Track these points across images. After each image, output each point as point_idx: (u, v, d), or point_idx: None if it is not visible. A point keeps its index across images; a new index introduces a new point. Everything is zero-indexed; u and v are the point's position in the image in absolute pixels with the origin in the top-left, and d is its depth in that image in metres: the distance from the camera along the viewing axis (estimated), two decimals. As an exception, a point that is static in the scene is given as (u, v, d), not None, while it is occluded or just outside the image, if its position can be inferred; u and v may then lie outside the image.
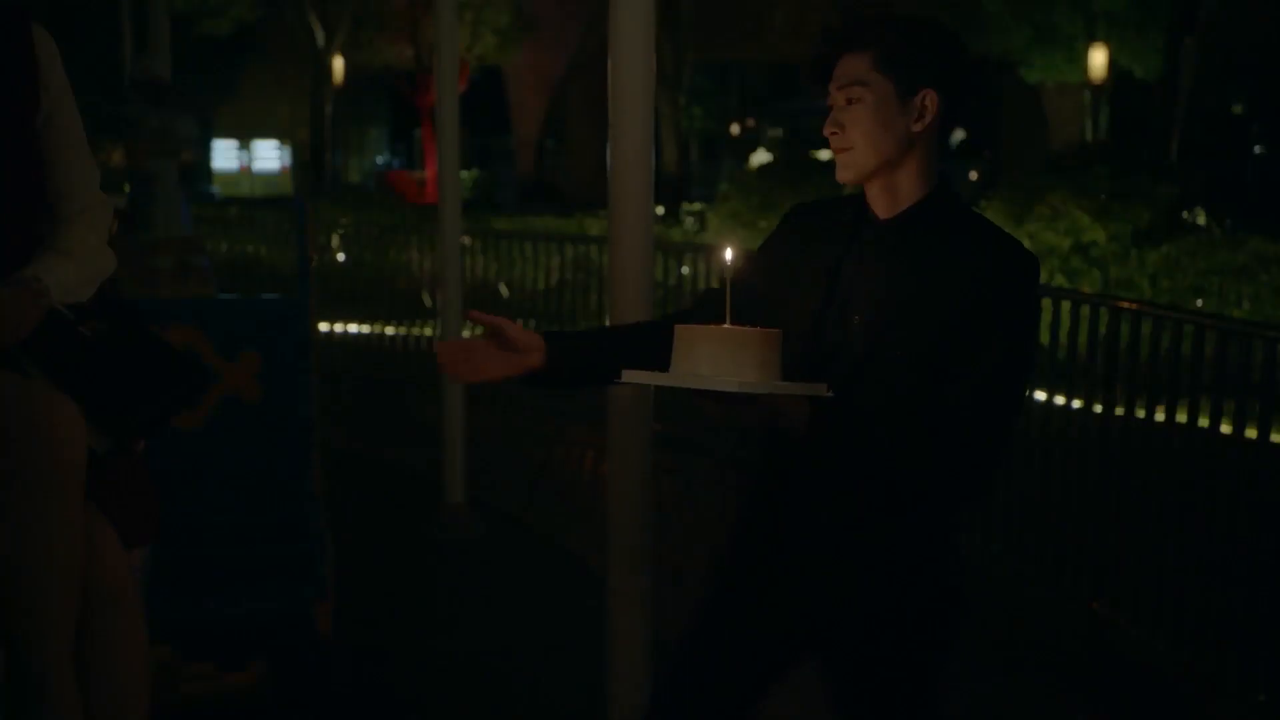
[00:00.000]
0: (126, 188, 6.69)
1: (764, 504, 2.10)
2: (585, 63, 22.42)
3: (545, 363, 2.06)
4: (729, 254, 1.91)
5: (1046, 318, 5.18)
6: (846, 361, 1.96)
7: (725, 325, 1.87)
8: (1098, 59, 15.64)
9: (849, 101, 1.97)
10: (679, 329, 1.89)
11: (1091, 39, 15.54)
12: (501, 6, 19.63)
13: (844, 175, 2.01)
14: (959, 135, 30.01)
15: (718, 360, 1.84)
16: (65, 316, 2.14)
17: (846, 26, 2.00)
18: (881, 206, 2.02)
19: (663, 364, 1.96)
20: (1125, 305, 4.82)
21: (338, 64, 20.87)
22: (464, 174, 7.30)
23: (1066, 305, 5.11)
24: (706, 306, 2.13)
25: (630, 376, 1.91)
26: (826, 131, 2.00)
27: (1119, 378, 4.68)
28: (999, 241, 1.97)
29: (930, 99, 1.97)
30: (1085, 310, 5.01)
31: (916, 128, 1.97)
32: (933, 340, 1.92)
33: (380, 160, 30.46)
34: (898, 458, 1.92)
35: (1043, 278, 8.72)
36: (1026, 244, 8.49)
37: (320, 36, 20.29)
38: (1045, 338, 5.23)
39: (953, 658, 2.12)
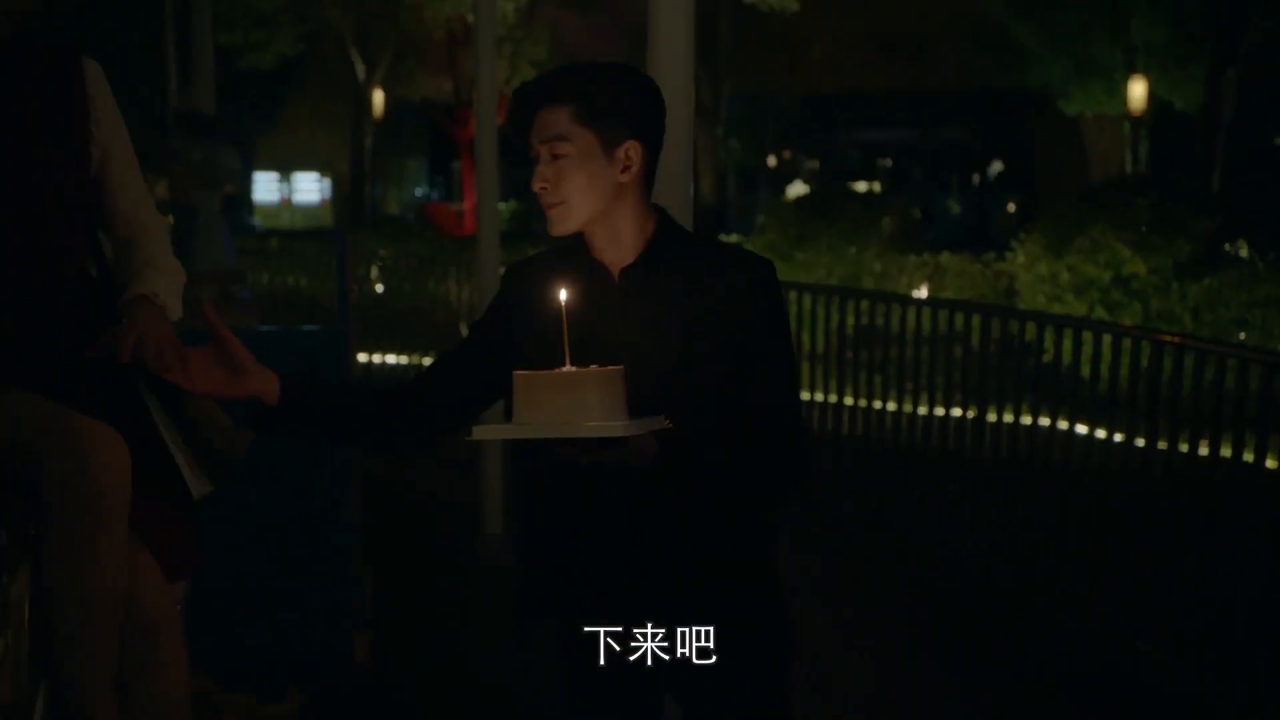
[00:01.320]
0: (170, 219, 6.77)
1: (576, 551, 2.06)
2: (622, 95, 22.53)
3: (279, 399, 2.00)
4: (564, 294, 1.90)
5: (1087, 350, 5.14)
6: (638, 402, 1.92)
7: (567, 368, 1.85)
8: (1137, 91, 15.56)
9: (554, 156, 1.99)
10: (519, 375, 1.87)
11: (1131, 71, 15.47)
12: (539, 40, 19.77)
13: (559, 229, 2.03)
14: (996, 167, 29.94)
15: (569, 404, 1.81)
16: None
17: (544, 80, 2.03)
18: (611, 255, 2.04)
19: (437, 420, 1.99)
20: (1168, 339, 4.78)
21: (378, 97, 21.07)
22: (501, 205, 7.36)
23: (1107, 338, 5.07)
24: (450, 365, 2.10)
25: (481, 432, 1.88)
26: (535, 187, 2.02)
27: (1161, 412, 4.63)
28: (736, 256, 2.06)
29: (634, 149, 2.00)
30: (1126, 343, 4.97)
31: (623, 179, 2.01)
32: (713, 362, 1.99)
33: (419, 192, 30.67)
34: (735, 472, 1.99)
35: (1082, 310, 8.71)
36: (1065, 276, 8.45)
37: (361, 70, 20.51)
38: (1085, 370, 5.19)
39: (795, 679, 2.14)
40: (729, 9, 18.22)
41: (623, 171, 2.00)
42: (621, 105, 2.00)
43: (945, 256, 11.33)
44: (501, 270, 8.13)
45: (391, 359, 10.40)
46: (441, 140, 26.12)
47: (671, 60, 3.04)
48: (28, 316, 2.06)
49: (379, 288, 11.24)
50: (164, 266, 2.17)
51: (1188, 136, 18.00)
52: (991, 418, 5.61)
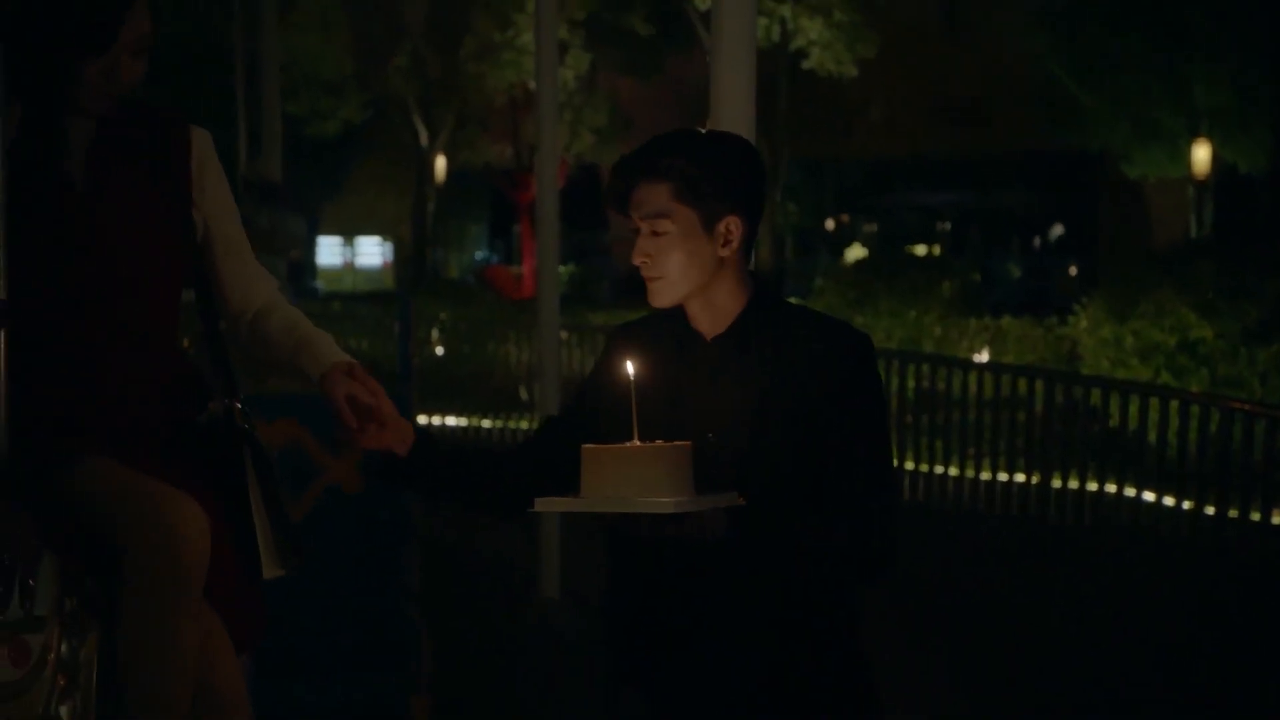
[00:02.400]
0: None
1: (653, 628, 2.03)
2: (681, 160, 22.71)
3: (409, 453, 2.03)
4: (630, 368, 1.91)
5: (1154, 416, 5.07)
6: (714, 477, 1.92)
7: (635, 443, 1.84)
8: (1201, 154, 15.44)
9: (654, 232, 1.98)
10: (586, 449, 1.87)
11: (1194, 134, 15.37)
12: (600, 106, 20.02)
13: (659, 301, 2.02)
14: (1057, 230, 29.76)
15: (630, 480, 1.80)
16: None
17: (644, 154, 2.00)
18: (705, 325, 2.03)
19: (539, 488, 1.94)
20: (1237, 405, 4.70)
21: (440, 162, 21.40)
22: (561, 269, 7.43)
23: (1175, 405, 5.00)
24: (554, 433, 2.10)
25: (544, 504, 1.88)
26: (635, 260, 2.01)
27: (1232, 479, 4.54)
28: (828, 328, 2.02)
29: (734, 224, 1.98)
30: (1195, 410, 4.89)
31: (723, 253, 1.99)
32: (795, 438, 1.95)
33: (479, 255, 31.02)
34: (813, 551, 1.93)
35: (1147, 375, 8.60)
36: (1129, 341, 8.37)
37: (424, 136, 20.86)
38: (1152, 436, 5.11)
39: None
40: (788, 74, 18.35)
41: (723, 246, 1.98)
42: (722, 180, 1.98)
43: (1006, 320, 11.24)
44: (563, 334, 8.13)
45: (452, 420, 10.46)
46: (502, 204, 26.43)
47: (733, 125, 3.06)
48: (118, 382, 2.05)
49: (439, 350, 11.34)
50: (317, 331, 2.15)
51: (1253, 199, 17.80)
52: (1056, 483, 5.53)
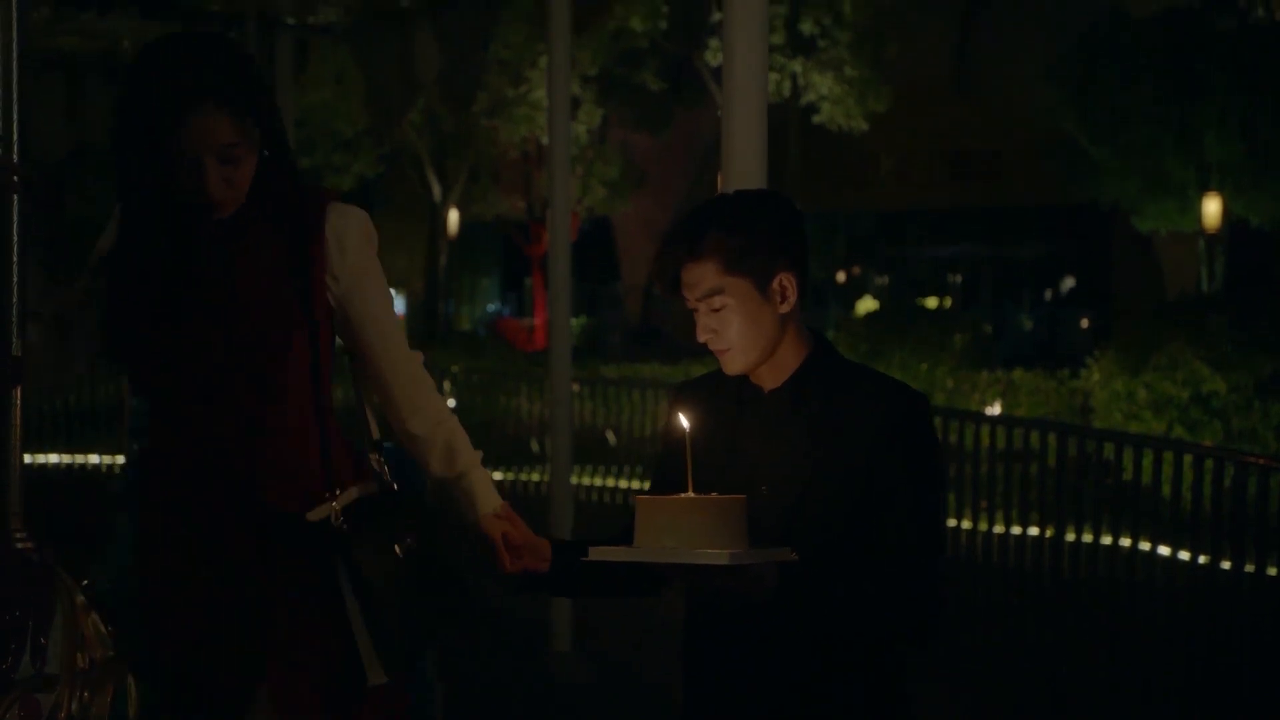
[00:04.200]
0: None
1: (712, 683, 2.04)
2: (692, 213, 22.82)
3: (550, 568, 2.09)
4: (685, 421, 1.92)
5: (1167, 470, 5.04)
6: (766, 529, 1.94)
7: (689, 494, 1.85)
8: (1211, 208, 15.46)
9: (713, 309, 1.99)
10: (641, 500, 1.89)
11: (1205, 188, 15.41)
12: (612, 160, 20.15)
13: (733, 370, 2.04)
14: (1069, 282, 29.76)
15: (684, 531, 1.80)
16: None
17: (684, 236, 2.00)
18: (766, 379, 2.05)
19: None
20: (1252, 459, 4.68)
21: (452, 216, 21.52)
22: (572, 321, 7.45)
23: (1188, 459, 4.97)
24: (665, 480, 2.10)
25: (597, 553, 1.88)
26: (701, 338, 2.02)
27: (1247, 534, 4.51)
28: (885, 386, 2.02)
29: (787, 280, 2.00)
30: (1209, 464, 4.87)
31: (783, 309, 2.01)
32: (844, 494, 1.95)
33: (491, 308, 31.13)
34: (859, 612, 1.94)
35: (1161, 428, 8.56)
36: (1142, 394, 8.32)
37: (437, 190, 21.00)
38: (1166, 490, 5.08)
39: None
40: (799, 128, 18.46)
41: (781, 303, 2.01)
42: (766, 241, 1.99)
43: (1018, 373, 11.22)
44: (574, 386, 8.11)
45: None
46: (514, 257, 26.55)
47: (744, 179, 3.07)
48: (233, 471, 2.02)
49: (451, 402, 11.33)
50: (473, 465, 2.13)
51: (1264, 253, 17.80)
52: (1069, 537, 5.49)
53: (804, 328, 2.06)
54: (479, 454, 2.16)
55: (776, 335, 2.01)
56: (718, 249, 1.97)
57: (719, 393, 2.07)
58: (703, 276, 1.99)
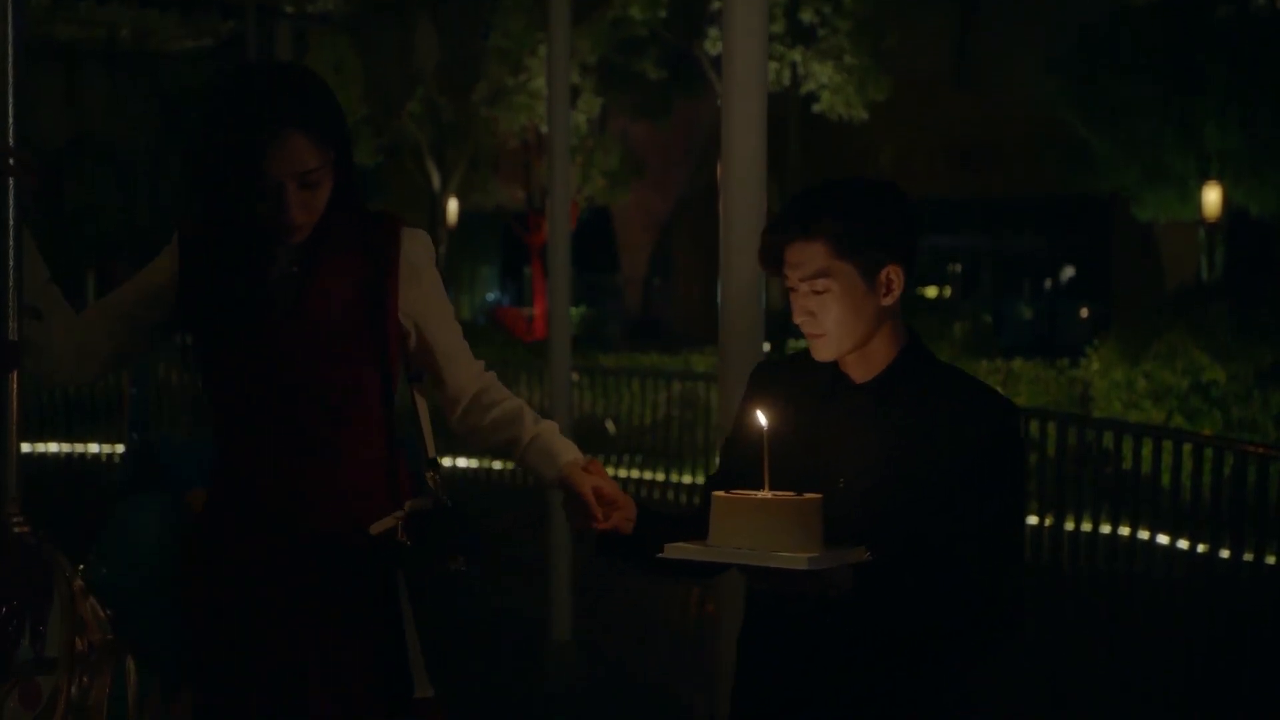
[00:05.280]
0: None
1: (771, 681, 2.03)
2: (691, 202, 22.78)
3: (633, 530, 2.08)
4: (763, 418, 1.89)
5: (1167, 459, 5.04)
6: (842, 524, 1.91)
7: (767, 494, 1.83)
8: (1211, 198, 15.45)
9: (815, 291, 1.96)
10: (716, 498, 1.86)
11: (1205, 177, 15.40)
12: (611, 149, 20.12)
13: (823, 356, 2.00)
14: (1068, 272, 29.75)
15: (759, 531, 1.79)
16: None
17: (797, 213, 1.98)
18: (856, 371, 2.01)
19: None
20: (1252, 449, 4.68)
21: (452, 205, 21.50)
22: (572, 310, 7.45)
23: (1188, 448, 4.97)
24: (719, 486, 2.06)
25: (672, 550, 1.87)
26: (797, 320, 2.00)
27: (1247, 523, 4.51)
28: (978, 394, 1.97)
29: (894, 273, 1.97)
30: (1208, 453, 4.87)
31: (886, 302, 1.98)
32: (925, 497, 1.91)
33: (490, 297, 31.11)
34: (925, 617, 1.90)
35: (1160, 417, 8.56)
36: (1141, 383, 8.32)
37: (436, 179, 20.97)
38: (1165, 479, 5.09)
39: None
40: (798, 117, 18.44)
41: (885, 295, 1.97)
42: (879, 231, 1.96)
43: (1018, 362, 11.22)
44: (574, 375, 8.11)
45: (463, 462, 10.45)
46: (513, 246, 26.53)
47: (743, 168, 3.07)
48: (302, 492, 2.04)
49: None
50: (542, 424, 2.16)
51: (1264, 242, 17.79)
52: (1069, 526, 5.49)
53: (901, 324, 2.02)
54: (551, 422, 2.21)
55: (873, 327, 1.98)
56: (830, 232, 1.94)
57: (804, 377, 2.03)
58: (810, 257, 1.95)
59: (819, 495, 1.85)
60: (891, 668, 1.94)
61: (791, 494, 1.84)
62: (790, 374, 2.06)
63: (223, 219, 2.00)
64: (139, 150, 19.05)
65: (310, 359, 2.01)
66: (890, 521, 1.92)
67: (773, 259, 2.00)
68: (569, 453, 2.12)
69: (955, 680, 1.99)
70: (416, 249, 2.09)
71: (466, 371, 2.16)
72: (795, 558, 1.77)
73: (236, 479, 2.07)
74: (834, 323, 1.96)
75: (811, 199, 1.98)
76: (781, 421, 1.97)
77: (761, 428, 1.88)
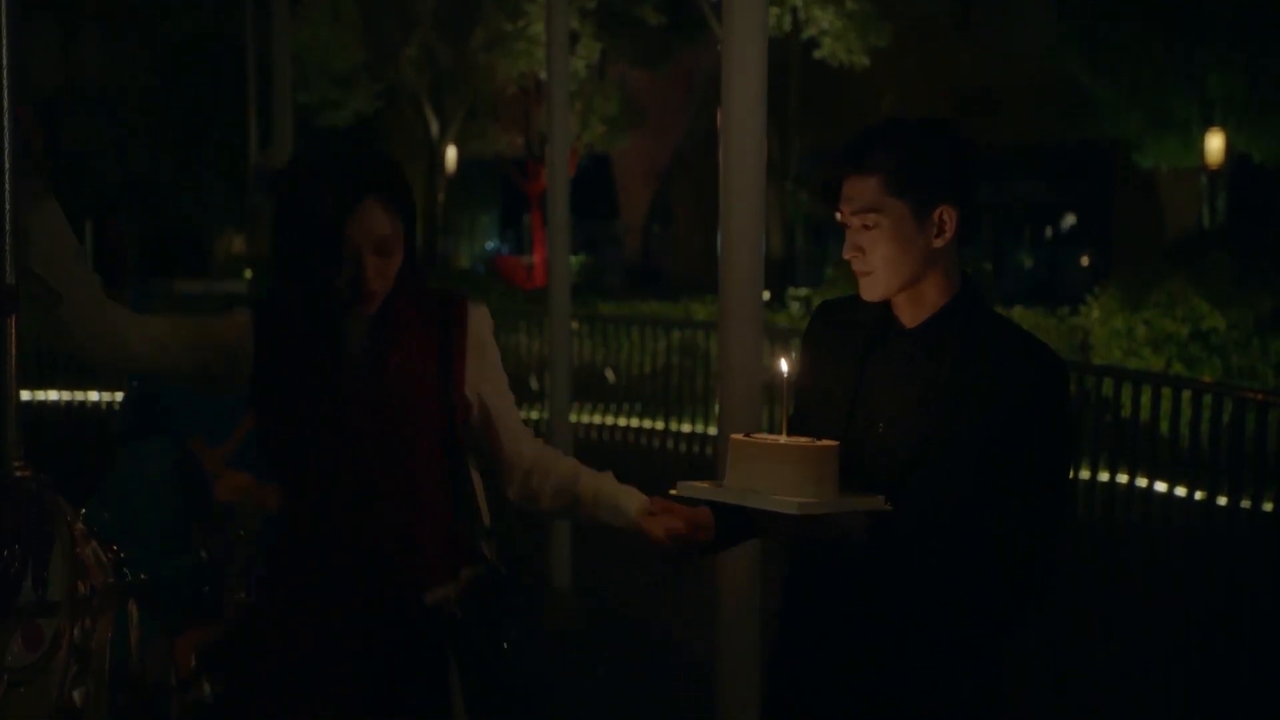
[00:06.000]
0: (248, 274, 6.88)
1: (806, 628, 2.04)
2: (691, 150, 22.66)
3: (715, 536, 2.07)
4: (785, 365, 1.89)
5: (1166, 406, 5.05)
6: (878, 469, 1.90)
7: (782, 439, 1.84)
8: (1214, 144, 15.37)
9: (865, 226, 1.93)
10: (734, 440, 1.87)
11: (1207, 124, 15.30)
12: (611, 96, 19.99)
13: (870, 295, 1.98)
14: (1069, 220, 29.65)
15: (773, 475, 1.80)
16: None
17: (852, 149, 1.96)
18: (907, 314, 1.98)
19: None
20: (1250, 395, 4.68)
21: (450, 152, 21.39)
22: (571, 259, 7.42)
23: (1187, 395, 4.98)
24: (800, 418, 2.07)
25: (683, 489, 1.90)
26: (847, 255, 1.97)
27: (1245, 470, 4.52)
28: (1027, 348, 1.93)
29: (948, 214, 1.93)
30: (1207, 400, 4.87)
31: (937, 244, 1.94)
32: (963, 448, 1.88)
33: (490, 245, 31.04)
34: (951, 573, 1.87)
35: (1159, 365, 8.56)
36: (1141, 331, 8.30)
37: (434, 126, 20.85)
38: (1164, 426, 5.10)
39: None
40: (799, 63, 18.30)
41: (937, 236, 1.93)
42: (934, 170, 1.92)
43: (1018, 310, 11.21)
44: (573, 324, 8.07)
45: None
46: (512, 194, 26.42)
47: (744, 115, 3.05)
48: (367, 558, 2.07)
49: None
50: (599, 478, 2.20)
51: (1266, 189, 17.72)
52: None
53: (956, 269, 1.97)
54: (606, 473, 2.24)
55: (922, 268, 1.94)
56: (883, 167, 1.91)
57: (859, 319, 2.01)
58: (863, 192, 1.92)
59: (835, 443, 1.83)
60: (918, 630, 1.92)
61: (807, 440, 1.83)
62: (848, 314, 2.03)
63: (300, 292, 2.05)
64: (135, 99, 18.93)
65: (384, 432, 2.05)
66: (928, 473, 1.89)
67: (830, 194, 1.98)
68: (633, 502, 2.14)
69: (984, 645, 1.97)
70: (482, 325, 2.16)
71: (523, 442, 2.22)
72: (786, 501, 1.77)
73: (303, 544, 2.09)
74: (881, 260, 1.93)
75: (870, 133, 1.96)
76: (830, 362, 1.97)
77: (784, 372, 1.88)
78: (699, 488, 1.89)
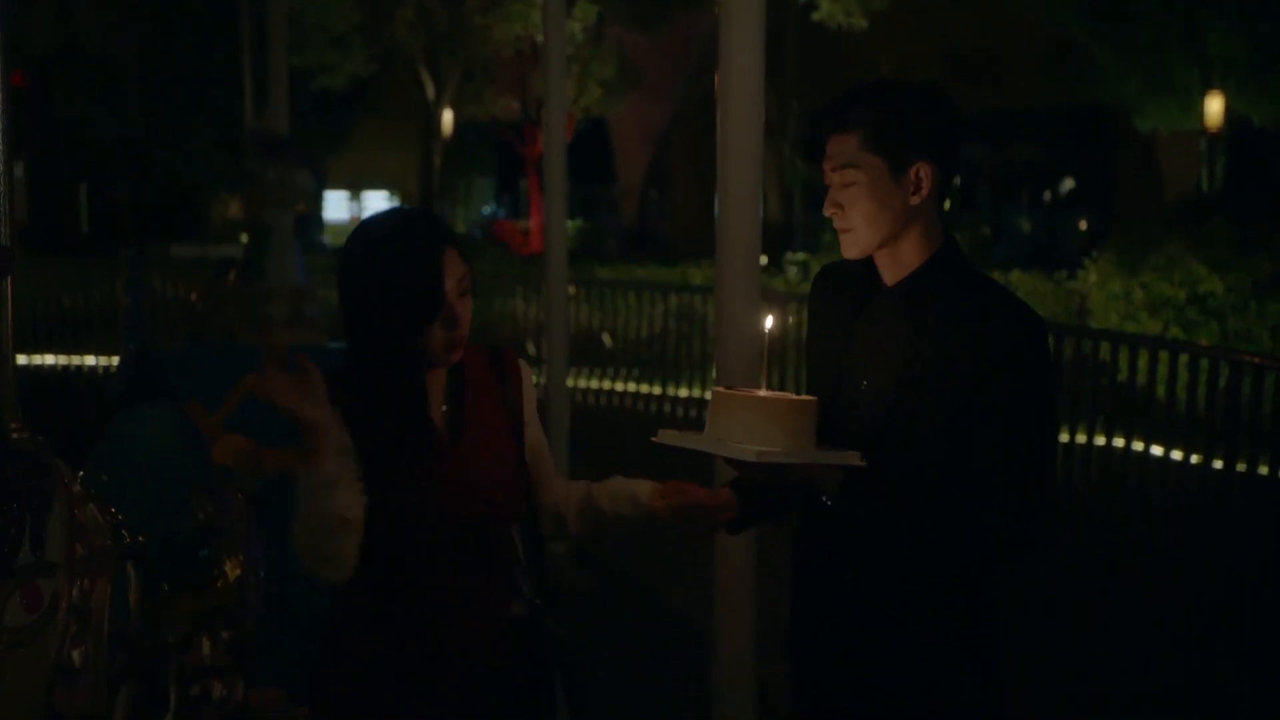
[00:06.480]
0: (244, 238, 6.86)
1: (807, 581, 2.09)
2: (688, 114, 22.55)
3: (740, 513, 2.09)
4: (770, 320, 1.96)
5: (1163, 370, 5.06)
6: (861, 426, 1.95)
7: (760, 392, 1.89)
8: (1214, 106, 15.30)
9: (844, 183, 1.97)
10: (716, 393, 1.93)
11: (1207, 86, 15.23)
12: (607, 59, 19.87)
13: (849, 252, 2.02)
14: (1068, 184, 29.57)
15: (749, 427, 1.85)
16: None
17: (834, 106, 2.00)
18: (888, 273, 2.02)
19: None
20: (1247, 358, 4.69)
21: (446, 116, 21.28)
22: (568, 223, 7.38)
23: (1184, 358, 4.98)
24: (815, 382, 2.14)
25: (664, 436, 1.96)
26: (827, 212, 2.01)
27: (1241, 433, 4.53)
28: (1004, 303, 1.96)
29: (924, 171, 1.96)
30: (1204, 363, 4.88)
31: (914, 201, 1.97)
32: (943, 404, 1.91)
33: (486, 210, 30.94)
34: (927, 527, 1.90)
35: (1157, 329, 8.56)
36: (1138, 295, 8.32)
37: (430, 90, 20.74)
38: (1161, 390, 5.11)
39: None
40: (797, 26, 18.19)
41: (914, 193, 1.97)
42: (911, 127, 1.95)
43: (1016, 275, 11.20)
44: (570, 288, 8.08)
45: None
46: (509, 158, 26.31)
47: (741, 78, 3.04)
48: (460, 621, 2.09)
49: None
50: (605, 485, 2.24)
51: (1266, 153, 17.66)
52: (1064, 438, 5.53)
53: (936, 227, 2.01)
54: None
55: (900, 225, 1.97)
56: (861, 124, 1.95)
57: (850, 280, 2.06)
58: (842, 149, 1.97)
59: (813, 399, 1.89)
60: (909, 578, 1.95)
61: (788, 394, 1.89)
62: (844, 277, 2.09)
63: (386, 354, 2.06)
64: (130, 62, 18.81)
65: (469, 488, 2.08)
66: (907, 427, 1.92)
67: (815, 152, 2.03)
68: (644, 487, 2.17)
69: (975, 591, 1.99)
70: (529, 377, 2.24)
71: (555, 478, 2.29)
72: (746, 449, 1.83)
73: (379, 600, 2.08)
74: (860, 216, 1.97)
75: (851, 93, 2.00)
76: (824, 323, 2.04)
77: (765, 330, 1.94)
78: (677, 435, 1.95)
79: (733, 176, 3.05)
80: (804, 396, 1.89)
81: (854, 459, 1.87)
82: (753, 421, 1.85)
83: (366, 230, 2.09)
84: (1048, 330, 1.98)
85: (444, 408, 2.10)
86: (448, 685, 2.07)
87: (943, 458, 1.91)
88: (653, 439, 1.96)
